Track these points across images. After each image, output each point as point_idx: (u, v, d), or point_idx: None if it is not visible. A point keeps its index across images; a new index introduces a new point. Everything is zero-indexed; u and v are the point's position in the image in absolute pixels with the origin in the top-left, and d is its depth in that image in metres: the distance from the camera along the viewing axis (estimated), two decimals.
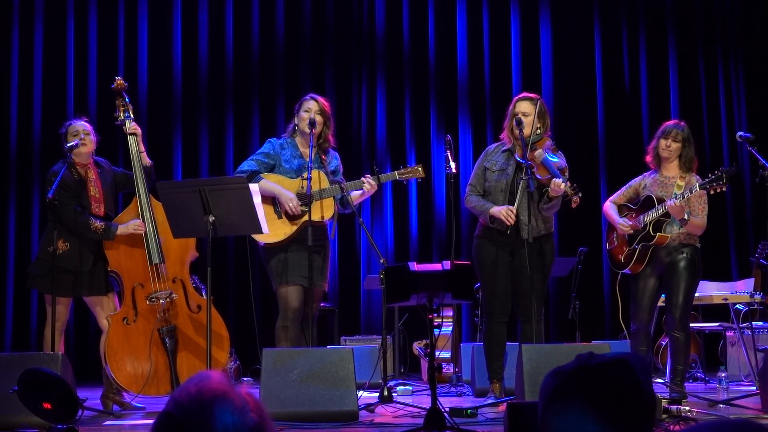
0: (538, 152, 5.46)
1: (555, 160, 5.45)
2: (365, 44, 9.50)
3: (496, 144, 5.80)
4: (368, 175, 5.59)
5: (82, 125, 5.55)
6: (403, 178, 5.73)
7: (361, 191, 5.59)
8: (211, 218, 5.02)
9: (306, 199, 5.35)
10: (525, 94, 5.76)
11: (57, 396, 4.47)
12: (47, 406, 4.46)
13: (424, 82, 9.51)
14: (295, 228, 5.49)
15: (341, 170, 5.77)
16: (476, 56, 9.56)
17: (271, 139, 5.77)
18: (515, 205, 5.45)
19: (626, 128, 9.42)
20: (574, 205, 5.35)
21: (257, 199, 5.10)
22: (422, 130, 9.47)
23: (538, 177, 5.42)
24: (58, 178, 5.20)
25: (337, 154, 5.82)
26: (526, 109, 5.58)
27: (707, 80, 9.65)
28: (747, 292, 6.90)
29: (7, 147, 8.89)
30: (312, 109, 5.62)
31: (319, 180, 5.49)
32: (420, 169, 5.71)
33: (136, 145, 5.60)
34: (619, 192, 5.93)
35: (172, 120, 9.13)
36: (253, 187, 5.15)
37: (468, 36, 9.56)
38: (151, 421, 4.98)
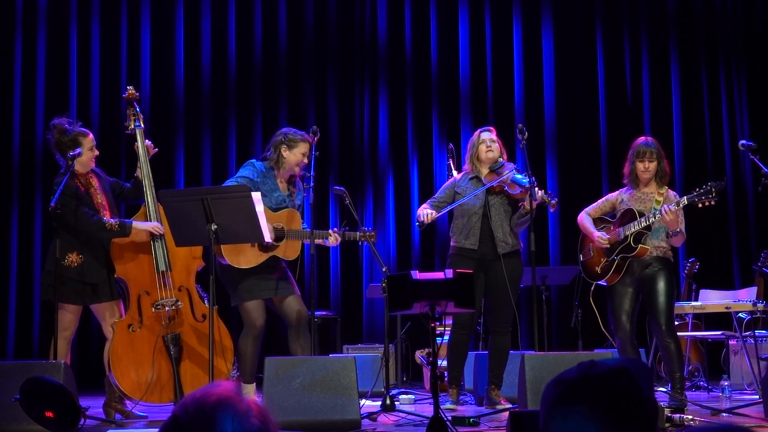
0: (506, 172, 5.87)
1: (521, 176, 5.86)
2: (367, 52, 9.52)
3: (461, 174, 6.19)
4: (335, 230, 5.72)
5: (94, 141, 5.55)
6: (360, 239, 5.82)
7: (324, 240, 5.69)
8: (214, 227, 5.03)
9: (281, 233, 5.51)
10: (486, 126, 6.25)
11: (59, 405, 4.48)
12: (49, 414, 4.47)
13: (426, 90, 9.53)
14: (265, 257, 5.53)
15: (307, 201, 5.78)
16: (478, 64, 9.57)
17: (253, 162, 5.71)
18: (496, 222, 5.89)
19: (629, 138, 9.35)
20: (552, 209, 5.78)
21: (260, 208, 5.11)
22: (424, 138, 9.49)
23: (512, 192, 5.85)
24: (60, 186, 5.20)
25: (301, 184, 5.81)
26: (492, 136, 6.06)
27: (709, 89, 9.65)
28: (750, 301, 6.89)
29: (10, 155, 8.91)
30: (307, 153, 5.65)
31: (293, 220, 5.58)
32: (373, 234, 5.86)
33: (147, 167, 5.62)
34: (594, 205, 5.99)
35: (175, 129, 9.15)
36: (256, 196, 5.16)
37: (470, 44, 9.58)
38: (153, 430, 4.99)
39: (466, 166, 6.12)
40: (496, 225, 5.91)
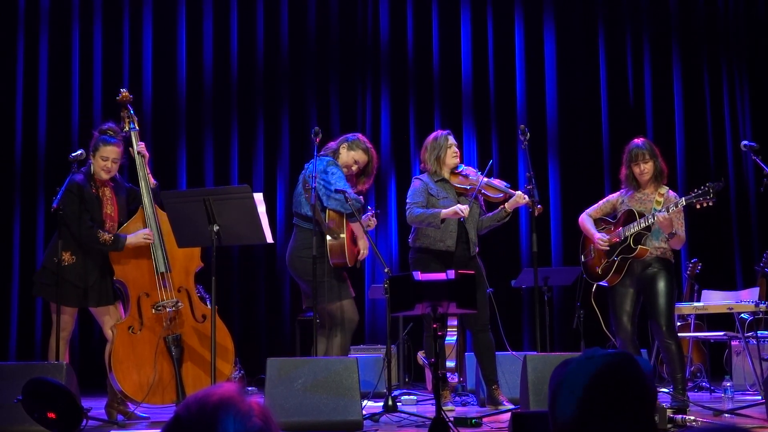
0: (476, 177, 5.98)
1: (496, 180, 6.04)
2: (369, 53, 9.52)
3: (424, 175, 6.15)
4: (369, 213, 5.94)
5: (116, 150, 5.46)
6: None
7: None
8: (216, 228, 5.03)
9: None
10: (447, 130, 6.26)
11: (61, 405, 4.48)
12: (51, 415, 4.47)
13: (428, 91, 9.53)
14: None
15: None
16: (480, 66, 9.57)
17: (333, 161, 5.71)
18: (470, 223, 5.97)
19: (630, 139, 9.38)
20: (537, 214, 5.72)
21: (261, 209, 5.12)
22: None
23: (492, 196, 5.97)
24: (63, 187, 5.20)
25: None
26: (455, 141, 6.13)
27: (711, 89, 9.65)
28: (752, 302, 6.88)
29: (12, 156, 8.91)
30: (359, 163, 5.79)
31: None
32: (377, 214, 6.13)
33: (143, 167, 5.61)
34: (596, 206, 6.00)
35: (177, 130, 9.15)
36: (258, 197, 5.16)
37: (472, 45, 9.58)
38: (155, 431, 4.99)
39: (428, 166, 6.10)
40: (470, 227, 6.00)
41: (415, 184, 6.15)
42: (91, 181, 5.42)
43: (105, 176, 5.46)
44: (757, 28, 9.76)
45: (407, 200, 6.09)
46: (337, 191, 5.50)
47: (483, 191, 5.96)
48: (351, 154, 5.77)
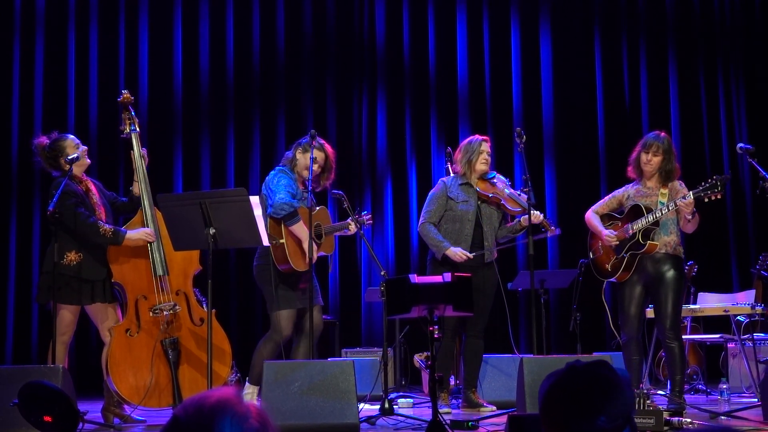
0: (500, 185, 6.10)
1: (517, 192, 6.10)
2: (366, 57, 9.52)
3: (450, 177, 6.25)
4: (351, 220, 5.94)
5: (76, 140, 5.56)
6: (363, 224, 6.07)
7: (345, 231, 5.98)
8: (212, 231, 5.03)
9: (319, 230, 5.74)
10: (484, 136, 6.30)
11: (57, 409, 4.47)
12: (48, 419, 4.46)
13: (424, 94, 9.54)
14: (315, 256, 5.69)
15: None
16: (476, 68, 9.58)
17: (285, 169, 5.77)
18: (488, 230, 6.08)
19: (627, 143, 9.42)
20: (550, 234, 5.97)
21: (258, 212, 5.12)
22: (423, 142, 9.49)
23: (510, 207, 6.08)
24: (59, 190, 5.19)
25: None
26: (489, 148, 6.18)
27: (707, 92, 9.66)
28: (748, 304, 6.89)
29: (9, 160, 8.91)
30: (319, 162, 5.77)
31: (326, 217, 5.91)
32: (370, 217, 6.20)
33: (142, 170, 5.62)
34: (601, 202, 5.99)
35: (173, 133, 9.15)
36: (254, 200, 5.16)
37: (468, 48, 9.59)
38: None
39: (458, 168, 6.18)
40: (487, 234, 6.09)
41: (436, 188, 6.25)
42: (74, 180, 5.43)
43: (87, 163, 5.54)
44: (753, 31, 9.78)
45: (424, 206, 6.21)
46: (268, 196, 5.60)
47: (502, 202, 6.07)
48: (307, 156, 5.76)
